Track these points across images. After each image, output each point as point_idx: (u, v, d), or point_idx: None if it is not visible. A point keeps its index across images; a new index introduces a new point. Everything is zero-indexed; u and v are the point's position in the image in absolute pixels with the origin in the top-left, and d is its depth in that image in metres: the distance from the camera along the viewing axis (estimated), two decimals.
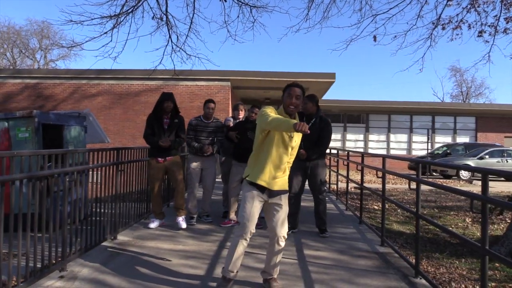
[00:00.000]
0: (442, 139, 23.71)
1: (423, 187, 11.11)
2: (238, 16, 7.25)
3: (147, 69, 15.85)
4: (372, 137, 23.79)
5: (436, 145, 22.96)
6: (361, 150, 23.51)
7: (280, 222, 3.13)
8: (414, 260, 3.69)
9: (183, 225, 5.14)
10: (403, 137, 23.76)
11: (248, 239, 3.10)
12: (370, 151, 23.25)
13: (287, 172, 3.21)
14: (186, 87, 15.90)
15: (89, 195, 4.17)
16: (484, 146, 18.85)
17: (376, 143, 23.81)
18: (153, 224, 5.24)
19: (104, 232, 4.40)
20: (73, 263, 3.65)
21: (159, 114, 5.18)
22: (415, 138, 23.66)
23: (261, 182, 3.08)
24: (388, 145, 23.70)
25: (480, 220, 5.59)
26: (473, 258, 4.92)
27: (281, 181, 3.15)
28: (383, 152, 23.45)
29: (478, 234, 6.20)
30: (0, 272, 2.63)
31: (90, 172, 4.85)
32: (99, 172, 4.49)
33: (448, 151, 19.55)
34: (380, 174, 4.84)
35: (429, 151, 21.50)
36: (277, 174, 3.11)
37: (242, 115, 6.20)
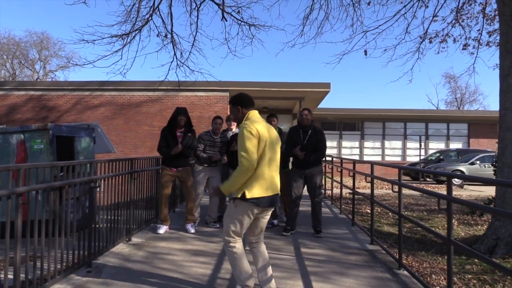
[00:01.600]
0: (435, 145, 24.25)
1: (415, 193, 11.58)
2: (237, 34, 7.78)
3: (148, 80, 16.44)
4: (367, 144, 24.31)
5: (430, 151, 23.52)
6: (357, 157, 24.04)
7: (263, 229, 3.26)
8: (398, 255, 4.19)
9: (192, 230, 5.62)
10: (398, 143, 24.30)
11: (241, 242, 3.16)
12: (365, 158, 23.79)
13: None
14: (185, 97, 16.40)
15: (106, 201, 4.63)
16: (476, 152, 19.40)
17: (371, 150, 24.34)
18: (161, 230, 5.69)
19: (120, 234, 4.88)
20: (96, 261, 4.12)
21: (173, 128, 5.64)
22: (409, 144, 24.20)
23: (271, 192, 3.07)
24: (383, 151, 24.23)
25: (465, 221, 6.12)
26: (455, 255, 5.40)
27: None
28: (378, 158, 23.98)
29: (462, 234, 6.70)
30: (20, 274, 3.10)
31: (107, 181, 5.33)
32: (114, 180, 4.98)
33: (441, 157, 20.09)
34: (368, 179, 5.34)
35: (421, 157, 22.04)
36: (276, 182, 3.15)
37: (234, 126, 6.67)
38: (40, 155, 7.04)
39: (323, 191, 5.81)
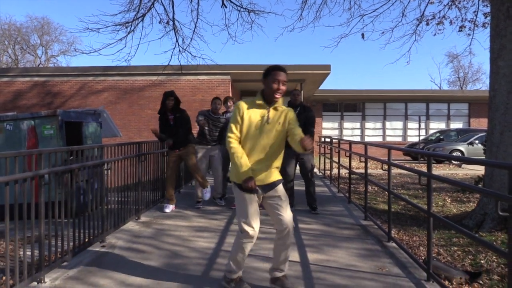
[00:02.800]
0: (436, 125, 24.46)
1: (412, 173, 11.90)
2: (237, 19, 7.99)
3: (150, 65, 16.64)
4: (368, 125, 24.54)
5: (431, 131, 23.74)
6: (358, 138, 24.31)
7: (286, 213, 2.93)
8: (387, 229, 4.52)
9: (207, 195, 6.03)
10: (399, 124, 24.52)
11: (253, 241, 2.95)
12: (366, 138, 24.07)
13: (279, 162, 3.01)
14: (188, 81, 16.62)
15: (116, 183, 4.96)
16: (476, 131, 19.60)
17: (373, 131, 24.58)
18: (168, 209, 6.04)
19: (130, 213, 5.23)
20: (110, 236, 4.48)
21: (164, 112, 5.94)
22: (410, 125, 24.41)
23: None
24: (384, 132, 24.47)
25: (458, 199, 6.46)
26: (444, 230, 5.74)
27: (274, 172, 2.98)
28: (380, 139, 24.25)
29: (454, 210, 7.03)
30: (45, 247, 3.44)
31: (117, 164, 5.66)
32: (123, 163, 5.30)
33: (441, 137, 20.32)
34: (362, 159, 5.65)
35: (422, 137, 22.29)
36: (266, 167, 2.92)
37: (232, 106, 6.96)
38: (51, 140, 7.36)
39: (315, 170, 6.11)
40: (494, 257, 4.43)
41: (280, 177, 3.02)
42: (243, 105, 2.91)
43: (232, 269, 2.99)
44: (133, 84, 16.93)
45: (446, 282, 3.50)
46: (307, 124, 5.83)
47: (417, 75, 65.77)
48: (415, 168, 4.12)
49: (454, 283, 3.60)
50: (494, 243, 4.96)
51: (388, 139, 24.28)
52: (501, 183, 5.79)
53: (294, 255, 3.90)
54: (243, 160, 2.81)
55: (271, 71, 2.83)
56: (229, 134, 2.90)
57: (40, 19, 43.80)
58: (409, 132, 24.40)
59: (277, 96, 2.83)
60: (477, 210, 6.09)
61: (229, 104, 6.89)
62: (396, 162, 4.73)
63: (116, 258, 3.81)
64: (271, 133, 2.88)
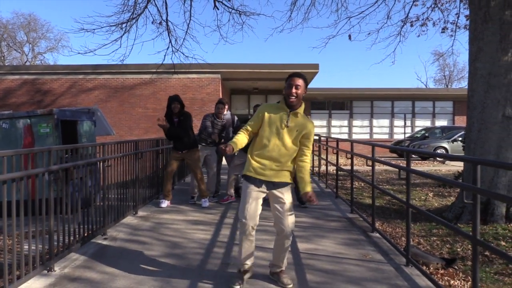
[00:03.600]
0: (422, 123, 25.00)
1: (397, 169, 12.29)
2: (228, 21, 8.31)
3: (141, 63, 16.77)
4: (356, 122, 24.98)
5: (416, 129, 24.27)
6: (346, 135, 24.74)
7: (285, 216, 3.10)
8: (371, 220, 4.84)
9: (205, 204, 6.28)
10: (385, 122, 25.01)
11: (252, 234, 3.13)
12: (354, 136, 24.51)
13: (290, 165, 3.15)
14: (178, 80, 16.81)
15: (115, 179, 5.19)
16: (460, 129, 20.14)
17: (360, 128, 25.03)
18: (164, 204, 6.29)
19: (128, 208, 5.48)
20: (111, 229, 4.73)
21: (170, 115, 6.18)
22: (396, 122, 24.90)
23: (259, 176, 3.10)
24: (371, 130, 24.94)
25: (439, 193, 6.84)
26: (426, 223, 6.09)
27: (281, 173, 3.13)
28: (367, 137, 24.71)
29: (436, 204, 7.41)
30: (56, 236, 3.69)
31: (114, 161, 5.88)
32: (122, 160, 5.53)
33: (426, 135, 20.83)
34: (348, 156, 5.97)
35: (407, 135, 22.80)
36: (275, 166, 3.09)
37: (226, 109, 7.17)
38: (47, 138, 7.54)
39: (311, 168, 6.44)
40: (469, 245, 4.79)
41: (289, 181, 3.18)
42: (264, 106, 3.19)
43: (238, 259, 3.25)
44: (124, 82, 17.06)
45: (424, 267, 3.83)
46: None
47: (403, 73, 66.68)
48: (400, 164, 4.44)
49: (431, 268, 3.94)
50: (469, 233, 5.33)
51: (375, 136, 24.76)
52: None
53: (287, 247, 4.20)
54: (238, 136, 3.13)
55: (289, 77, 3.08)
56: (242, 128, 3.19)
57: (26, 16, 43.52)
58: (395, 130, 24.90)
59: (291, 99, 3.02)
60: (456, 204, 6.46)
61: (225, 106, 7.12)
62: (382, 159, 5.05)
63: (119, 249, 4.07)
64: (287, 137, 3.08)
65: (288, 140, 3.09)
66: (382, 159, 5.09)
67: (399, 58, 70.52)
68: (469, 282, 3.68)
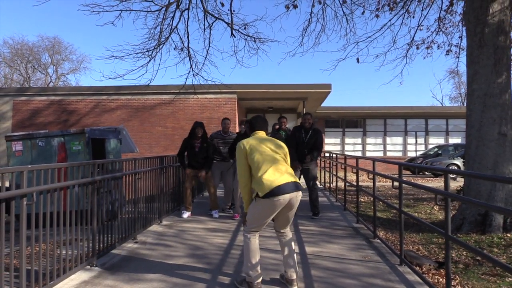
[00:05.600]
0: (435, 140, 25.26)
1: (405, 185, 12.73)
2: (244, 47, 8.98)
3: (161, 84, 17.64)
4: (369, 140, 25.38)
5: (430, 146, 24.54)
6: (360, 153, 25.13)
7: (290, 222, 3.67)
8: (373, 228, 5.35)
9: (216, 215, 6.86)
10: (399, 139, 25.34)
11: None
12: (367, 154, 24.89)
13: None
14: (196, 100, 17.59)
15: (142, 191, 5.82)
16: None
17: (373, 146, 25.41)
18: (185, 215, 6.89)
19: (154, 217, 6.09)
20: (140, 235, 5.35)
21: (192, 138, 6.83)
22: (409, 140, 25.20)
23: (282, 181, 3.37)
24: (384, 147, 25.28)
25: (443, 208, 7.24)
26: (429, 233, 6.54)
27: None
28: (380, 154, 25.06)
29: (440, 217, 7.83)
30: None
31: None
32: (148, 174, 6.17)
33: (439, 152, 21.12)
34: (354, 171, 6.51)
35: (420, 152, 23.11)
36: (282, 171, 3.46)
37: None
38: (79, 155, 8.27)
39: (318, 182, 6.95)
40: (464, 252, 5.24)
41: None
42: None
43: (247, 271, 3.49)
44: (145, 102, 17.92)
45: (417, 268, 4.31)
46: (315, 146, 6.72)
47: (419, 91, 66.77)
48: (411, 180, 4.82)
49: (424, 268, 4.42)
50: (467, 242, 5.77)
51: (389, 154, 25.08)
52: (476, 191, 6.62)
53: (294, 248, 4.74)
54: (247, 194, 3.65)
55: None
56: None
57: (51, 39, 45.53)
58: (408, 147, 25.18)
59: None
60: (457, 215, 6.90)
61: (243, 126, 7.73)
62: (395, 175, 5.57)
63: (149, 250, 4.67)
64: (276, 152, 3.62)
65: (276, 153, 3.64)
66: (395, 175, 5.61)
67: (414, 76, 70.72)
68: (456, 281, 4.16)
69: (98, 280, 3.65)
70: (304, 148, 6.76)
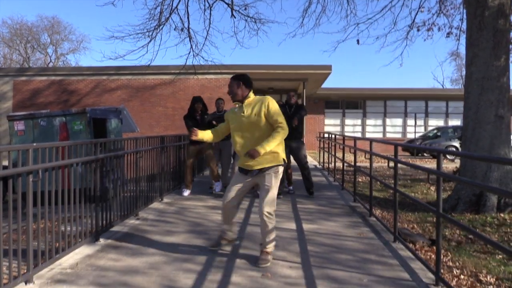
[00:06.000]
0: (435, 122, 25.31)
1: (404, 166, 12.86)
2: (244, 27, 8.96)
3: (161, 65, 17.60)
4: (369, 121, 25.44)
5: (429, 128, 24.60)
6: (359, 134, 25.21)
7: (263, 199, 3.46)
8: (369, 207, 5.48)
9: (218, 188, 7.03)
10: (398, 121, 25.40)
11: (227, 208, 3.71)
12: (367, 135, 24.98)
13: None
14: (196, 80, 17.58)
15: (144, 170, 5.93)
16: None
17: (373, 127, 25.48)
18: (186, 193, 7.03)
19: (155, 195, 6.23)
20: (141, 212, 5.49)
21: (192, 113, 6.91)
22: (409, 122, 25.27)
23: (243, 166, 3.61)
24: (384, 129, 25.36)
25: (441, 188, 7.44)
26: (424, 212, 6.68)
27: (262, 159, 3.48)
28: (380, 135, 25.15)
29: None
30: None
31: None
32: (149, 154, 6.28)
33: (438, 134, 21.20)
34: (352, 151, 6.61)
35: (419, 134, 23.20)
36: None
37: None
38: (80, 134, 8.35)
39: (307, 160, 7.08)
40: (457, 231, 5.39)
41: (269, 165, 3.50)
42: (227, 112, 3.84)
43: (222, 229, 3.87)
44: (145, 82, 17.92)
45: (411, 245, 4.46)
46: (300, 112, 6.84)
47: (420, 73, 66.42)
48: (409, 161, 4.95)
49: (417, 245, 4.57)
50: (461, 221, 5.92)
51: (388, 135, 25.17)
52: (472, 172, 6.73)
53: (292, 225, 4.89)
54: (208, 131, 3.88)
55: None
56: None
57: (50, 19, 45.17)
58: (408, 129, 25.26)
59: (231, 98, 3.64)
60: (452, 196, 7.04)
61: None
62: (387, 155, 5.67)
63: (151, 226, 4.81)
64: (249, 126, 3.52)
65: (251, 128, 3.51)
66: (393, 156, 5.70)
67: (415, 58, 70.24)
68: (448, 257, 4.30)
69: (102, 254, 3.79)
70: (290, 121, 6.84)
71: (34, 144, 3.18)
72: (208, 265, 3.50)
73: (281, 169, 3.57)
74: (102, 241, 4.21)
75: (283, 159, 3.59)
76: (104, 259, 3.64)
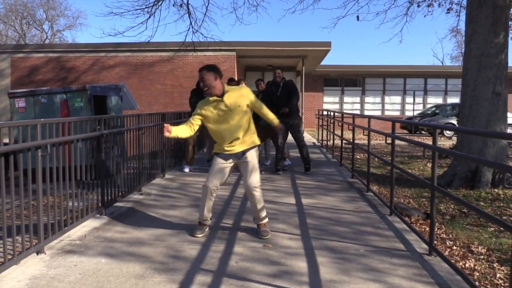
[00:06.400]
0: (434, 100, 25.32)
1: (403, 143, 12.99)
2: (244, 3, 8.92)
3: (159, 42, 17.48)
4: (368, 99, 25.45)
5: (428, 106, 24.65)
6: (358, 112, 25.26)
7: (249, 175, 3.62)
8: (367, 182, 5.62)
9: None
10: (397, 99, 25.41)
11: (213, 193, 3.71)
12: (366, 112, 25.02)
13: (251, 132, 3.71)
14: (195, 57, 17.48)
15: (146, 147, 6.03)
16: None
17: (372, 105, 25.50)
18: (187, 169, 7.16)
19: (158, 171, 6.35)
20: (144, 188, 5.61)
21: (199, 89, 6.93)
22: (408, 99, 25.30)
23: (223, 151, 3.67)
24: (383, 106, 25.39)
25: (438, 165, 7.56)
26: (420, 188, 6.82)
27: (244, 143, 3.67)
28: (379, 113, 25.20)
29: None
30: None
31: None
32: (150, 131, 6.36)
33: (437, 111, 21.27)
34: (351, 128, 6.72)
35: (418, 111, 23.28)
36: (236, 140, 3.62)
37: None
38: (81, 111, 8.42)
39: (304, 135, 7.15)
40: (452, 205, 5.54)
41: (250, 146, 3.69)
42: (200, 103, 3.77)
43: (200, 215, 3.78)
44: (143, 60, 17.84)
45: (406, 218, 4.61)
46: (291, 96, 6.85)
47: (420, 50, 65.95)
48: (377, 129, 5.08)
49: (413, 219, 4.72)
50: (456, 195, 6.07)
51: (387, 113, 25.22)
52: (468, 149, 6.85)
53: (291, 200, 5.03)
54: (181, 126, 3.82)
55: (199, 72, 3.64)
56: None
57: None
58: (407, 107, 25.30)
59: (206, 93, 3.61)
60: (448, 171, 7.17)
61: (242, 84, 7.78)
62: (384, 132, 5.77)
63: (154, 201, 4.95)
64: (233, 117, 3.60)
65: (235, 118, 3.59)
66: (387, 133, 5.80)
67: (415, 35, 69.56)
68: (442, 230, 4.46)
69: (108, 227, 3.93)
70: (280, 103, 6.87)
71: (42, 119, 3.26)
72: (212, 237, 3.64)
73: (257, 149, 3.84)
74: (108, 215, 4.34)
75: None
76: (111, 232, 3.78)
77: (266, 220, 3.77)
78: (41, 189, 3.24)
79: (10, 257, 2.89)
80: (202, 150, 10.12)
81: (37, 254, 3.17)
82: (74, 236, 3.63)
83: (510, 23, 7.00)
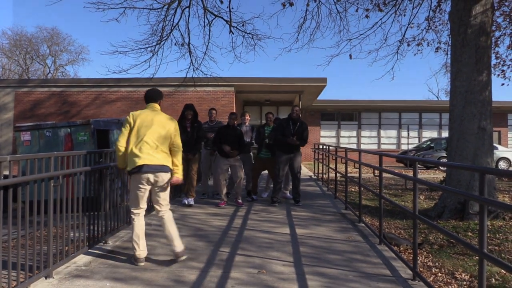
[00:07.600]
0: (429, 134, 25.83)
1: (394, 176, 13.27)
2: (242, 43, 9.40)
3: (160, 77, 18.02)
4: (364, 133, 25.91)
5: (423, 139, 25.10)
6: (354, 146, 25.66)
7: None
8: (359, 214, 5.86)
9: (191, 203, 7.13)
10: (393, 133, 25.89)
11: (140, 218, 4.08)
12: (362, 146, 25.43)
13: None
14: (195, 92, 18.00)
15: None
16: None
17: (368, 139, 25.94)
18: (187, 201, 7.35)
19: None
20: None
21: (182, 120, 7.20)
22: (403, 133, 25.75)
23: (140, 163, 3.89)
24: (379, 140, 25.82)
25: (431, 197, 7.87)
26: (411, 220, 7.04)
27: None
28: (375, 147, 25.60)
29: (425, 205, 8.36)
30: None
31: None
32: None
33: (432, 145, 21.67)
34: (343, 161, 7.01)
35: (413, 145, 23.67)
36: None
37: (248, 120, 8.17)
38: (84, 145, 8.72)
39: (301, 170, 7.40)
40: (441, 236, 5.77)
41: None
42: None
43: (134, 248, 3.89)
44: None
45: (395, 247, 4.83)
46: (302, 137, 7.16)
47: (415, 84, 67.29)
48: (403, 172, 5.32)
49: (401, 248, 4.94)
50: (445, 227, 6.30)
51: (383, 146, 25.62)
52: (456, 181, 7.13)
53: (286, 230, 5.25)
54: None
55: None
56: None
57: (49, 30, 45.54)
58: (402, 141, 25.73)
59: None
60: (439, 204, 7.42)
61: (246, 117, 8.02)
62: (388, 168, 6.07)
63: (155, 230, 5.17)
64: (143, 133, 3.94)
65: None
66: (388, 167, 6.09)
67: (410, 71, 71.27)
68: (429, 259, 4.68)
69: (111, 255, 4.15)
70: (297, 138, 7.18)
71: (55, 152, 3.55)
72: (210, 264, 3.86)
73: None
74: (111, 243, 4.56)
75: None
76: (114, 259, 3.99)
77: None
78: (52, 219, 3.49)
79: (22, 280, 3.11)
80: (199, 183, 10.35)
81: (46, 278, 3.38)
82: (80, 262, 3.85)
83: (492, 61, 7.42)
